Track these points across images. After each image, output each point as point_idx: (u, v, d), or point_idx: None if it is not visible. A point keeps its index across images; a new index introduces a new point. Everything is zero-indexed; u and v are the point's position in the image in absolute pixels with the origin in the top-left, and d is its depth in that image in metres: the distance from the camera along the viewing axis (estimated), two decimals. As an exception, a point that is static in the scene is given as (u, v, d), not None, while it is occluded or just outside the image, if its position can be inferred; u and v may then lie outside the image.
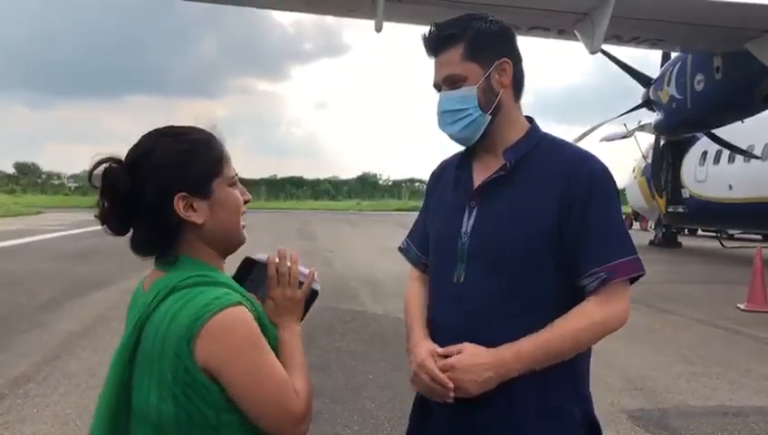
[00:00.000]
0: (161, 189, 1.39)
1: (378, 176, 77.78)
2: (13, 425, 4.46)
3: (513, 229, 1.67)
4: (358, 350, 6.59)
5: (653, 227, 23.74)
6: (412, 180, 75.69)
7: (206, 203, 1.43)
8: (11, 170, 76.38)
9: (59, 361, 6.04)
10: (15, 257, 14.57)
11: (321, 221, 33.37)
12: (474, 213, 1.74)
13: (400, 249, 2.03)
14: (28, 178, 75.45)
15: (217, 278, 1.42)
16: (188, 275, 1.40)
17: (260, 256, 1.56)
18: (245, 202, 1.53)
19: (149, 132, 1.47)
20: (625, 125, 20.87)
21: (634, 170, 23.65)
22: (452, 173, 1.86)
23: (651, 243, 21.84)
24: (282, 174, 75.66)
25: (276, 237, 19.55)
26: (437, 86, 1.77)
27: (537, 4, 10.15)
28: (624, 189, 24.42)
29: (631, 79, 16.25)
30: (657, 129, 16.70)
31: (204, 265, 1.45)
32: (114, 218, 1.43)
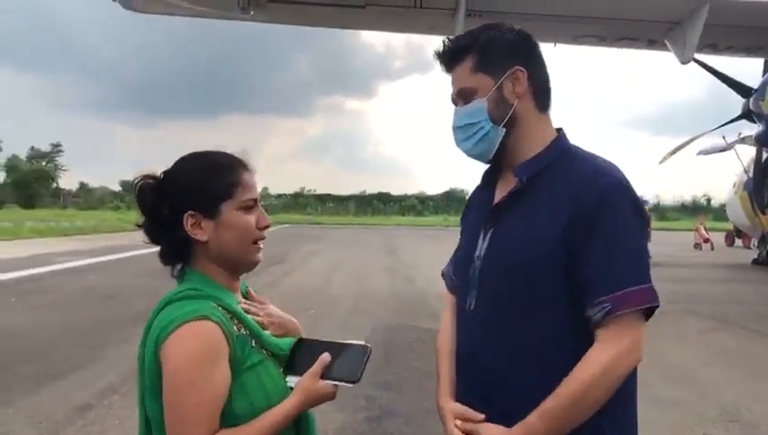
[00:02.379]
0: (175, 207, 1.51)
1: (464, 191, 77.18)
2: (96, 435, 4.62)
3: (519, 255, 1.55)
4: (434, 371, 6.47)
5: (756, 244, 22.41)
6: (499, 196, 74.64)
7: (213, 223, 1.51)
8: (117, 188, 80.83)
9: (144, 373, 6.24)
10: (114, 271, 15.34)
11: (406, 237, 33.43)
12: (488, 236, 1.64)
13: (442, 274, 1.94)
14: (131, 196, 79.53)
15: (207, 292, 1.49)
16: (182, 288, 1.51)
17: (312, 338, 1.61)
18: (264, 227, 1.58)
19: (184, 155, 1.59)
20: (724, 137, 19.90)
21: (735, 185, 22.48)
22: (479, 194, 1.79)
23: (755, 262, 20.66)
24: (370, 190, 76.58)
25: (363, 253, 19.70)
26: (454, 102, 1.69)
27: (626, 15, 9.82)
28: (724, 205, 23.22)
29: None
30: (759, 141, 15.79)
31: (205, 279, 1.53)
32: (147, 228, 1.57)
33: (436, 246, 26.12)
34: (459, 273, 1.76)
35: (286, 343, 1.59)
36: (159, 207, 1.52)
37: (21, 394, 5.51)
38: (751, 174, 19.37)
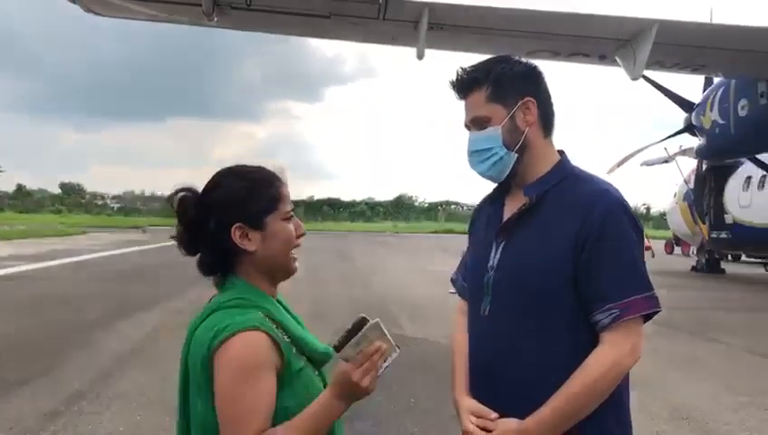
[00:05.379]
0: (222, 220, 1.59)
1: (413, 198, 77.80)
2: (70, 441, 4.61)
3: (531, 267, 1.73)
4: (399, 374, 6.60)
5: (695, 252, 23.32)
6: (448, 202, 75.69)
7: (260, 234, 1.61)
8: (57, 190, 78.29)
9: (111, 379, 6.21)
10: (65, 277, 14.98)
11: (357, 243, 33.51)
12: (500, 248, 1.81)
13: (452, 280, 2.12)
14: (72, 199, 77.19)
15: (254, 301, 1.58)
16: (231, 297, 1.58)
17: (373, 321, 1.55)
18: (300, 235, 1.69)
19: (222, 170, 1.68)
20: (666, 149, 20.72)
21: (675, 195, 23.34)
22: (487, 209, 1.96)
23: (693, 269, 21.47)
24: (319, 195, 76.21)
25: (317, 260, 19.67)
26: (467, 127, 1.86)
27: (578, 31, 10.17)
28: (665, 214, 24.07)
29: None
30: (700, 154, 16.54)
31: (249, 287, 1.61)
32: (185, 241, 1.64)
33: (389, 253, 26.34)
34: (471, 280, 1.93)
35: (317, 343, 1.66)
36: (204, 221, 1.60)
37: (-14, 401, 5.43)
38: (691, 185, 20.22)
